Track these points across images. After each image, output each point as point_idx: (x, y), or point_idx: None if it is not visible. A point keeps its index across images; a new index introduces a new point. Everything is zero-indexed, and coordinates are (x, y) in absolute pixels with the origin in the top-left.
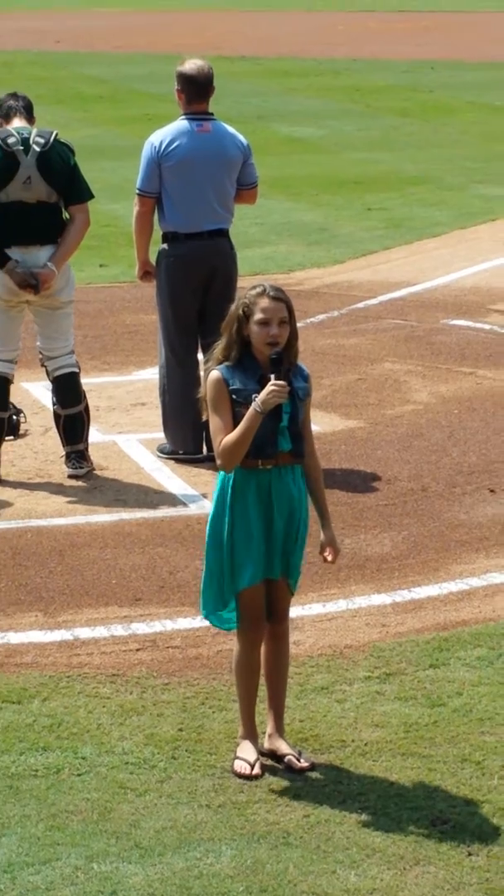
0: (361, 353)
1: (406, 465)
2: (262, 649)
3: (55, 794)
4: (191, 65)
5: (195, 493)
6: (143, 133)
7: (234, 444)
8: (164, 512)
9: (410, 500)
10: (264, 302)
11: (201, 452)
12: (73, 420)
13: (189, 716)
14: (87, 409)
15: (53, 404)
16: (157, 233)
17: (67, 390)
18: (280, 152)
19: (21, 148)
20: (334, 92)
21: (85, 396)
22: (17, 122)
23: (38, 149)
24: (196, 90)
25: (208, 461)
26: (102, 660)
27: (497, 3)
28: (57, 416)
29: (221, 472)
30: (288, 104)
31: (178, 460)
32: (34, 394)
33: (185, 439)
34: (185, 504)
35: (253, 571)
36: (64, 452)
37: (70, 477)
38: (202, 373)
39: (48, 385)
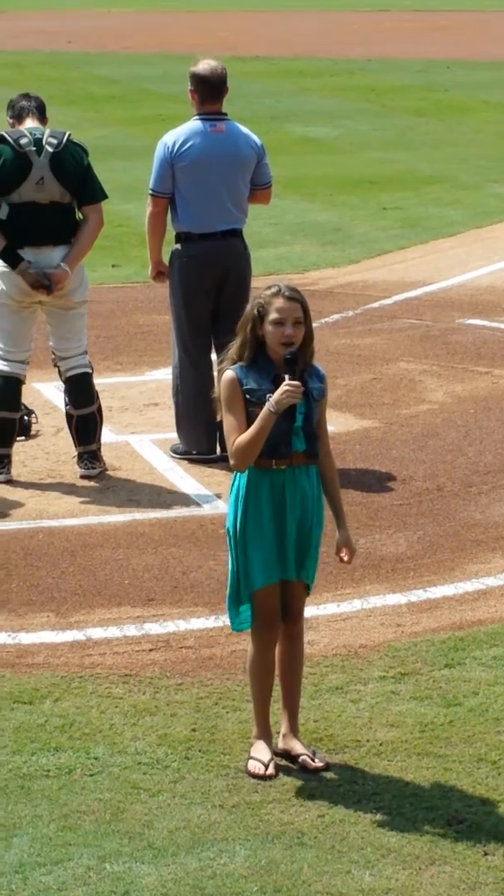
0: (376, 353)
1: (421, 465)
2: (277, 649)
3: (67, 794)
4: (204, 65)
5: (209, 493)
6: (156, 133)
7: (248, 443)
8: (178, 512)
9: (426, 500)
10: (279, 302)
11: (215, 452)
12: (85, 420)
13: (202, 716)
14: (99, 409)
15: (66, 404)
16: (170, 233)
17: (80, 391)
18: (295, 152)
19: (34, 148)
20: (349, 92)
21: (98, 397)
22: (30, 123)
23: (50, 149)
24: (209, 90)
25: (222, 461)
26: (115, 660)
27: None
28: (69, 417)
29: (236, 473)
30: (303, 104)
31: (191, 460)
32: (46, 394)
33: (199, 439)
34: (198, 504)
35: (267, 572)
36: (76, 453)
37: (82, 477)
38: (216, 373)
39: (60, 385)
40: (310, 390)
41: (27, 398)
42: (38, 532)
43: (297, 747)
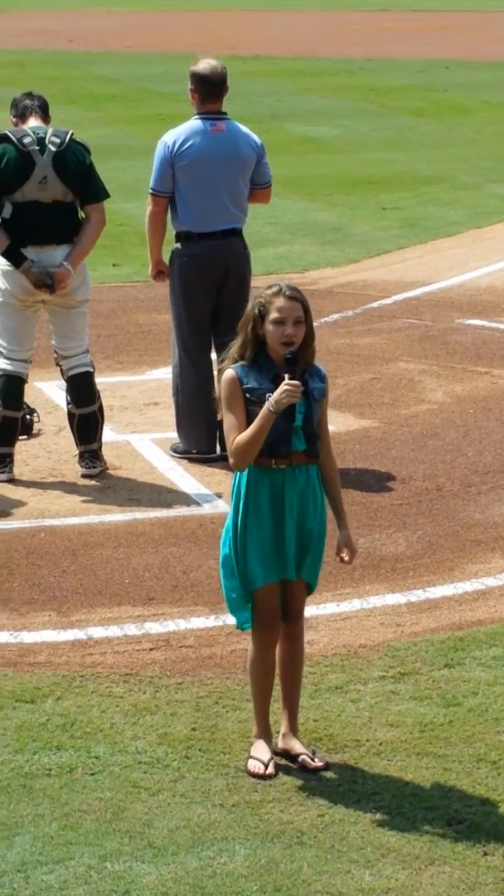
0: (376, 353)
1: (421, 465)
2: (277, 649)
3: (68, 793)
4: (204, 64)
5: (209, 492)
6: (156, 133)
7: (247, 442)
8: (178, 511)
9: (425, 500)
10: (280, 301)
11: (215, 452)
12: (87, 419)
13: (202, 715)
14: (101, 408)
15: (68, 403)
16: (171, 232)
17: (82, 390)
18: (294, 152)
19: (37, 148)
20: (349, 91)
21: (99, 396)
22: (33, 122)
23: (53, 148)
24: (209, 90)
25: (222, 460)
26: (116, 659)
27: None
28: (71, 416)
29: (237, 472)
30: (302, 104)
31: (191, 460)
32: (47, 393)
33: (199, 439)
34: (198, 503)
35: (266, 571)
36: (77, 452)
37: (83, 476)
38: (216, 372)
39: (61, 384)
40: (310, 390)
41: (29, 397)
42: (39, 531)
43: (296, 747)
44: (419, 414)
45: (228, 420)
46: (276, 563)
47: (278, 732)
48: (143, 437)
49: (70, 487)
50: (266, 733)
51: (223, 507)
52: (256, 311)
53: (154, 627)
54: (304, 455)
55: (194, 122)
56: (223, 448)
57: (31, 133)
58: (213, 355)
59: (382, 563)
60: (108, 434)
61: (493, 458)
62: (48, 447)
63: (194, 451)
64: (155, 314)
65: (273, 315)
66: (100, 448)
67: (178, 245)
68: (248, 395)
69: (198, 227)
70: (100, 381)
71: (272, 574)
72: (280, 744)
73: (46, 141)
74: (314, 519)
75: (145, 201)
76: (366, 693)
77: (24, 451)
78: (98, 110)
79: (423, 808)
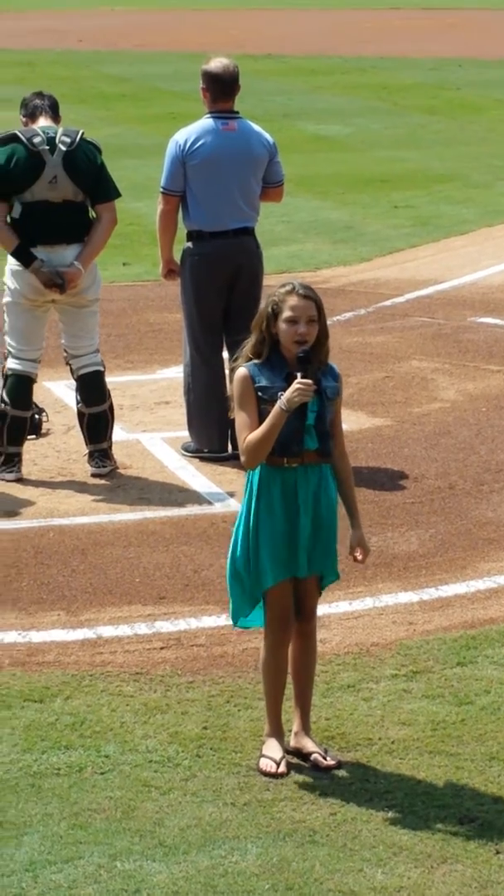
0: (388, 351)
1: (433, 463)
2: (290, 647)
3: (78, 792)
4: (216, 63)
5: (220, 491)
6: (167, 131)
7: (259, 441)
8: (189, 510)
9: (438, 498)
10: (293, 300)
11: (226, 451)
12: (97, 419)
13: (214, 714)
14: (111, 407)
15: (77, 402)
16: (182, 231)
17: (92, 389)
18: (306, 150)
19: (47, 147)
20: (361, 90)
21: (110, 395)
22: (43, 121)
23: (64, 148)
24: (221, 88)
25: (233, 459)
26: (126, 658)
27: None
28: (81, 415)
29: (249, 470)
30: (314, 102)
31: (202, 459)
32: (56, 392)
33: (210, 437)
34: (209, 502)
35: (278, 569)
36: (87, 451)
37: (93, 475)
38: (229, 370)
39: (70, 384)
40: (323, 389)
41: (37, 396)
42: (48, 530)
43: (308, 745)
44: (432, 412)
45: (240, 418)
46: (288, 562)
47: (290, 731)
48: (154, 436)
49: (79, 487)
50: (278, 732)
51: (235, 505)
52: (270, 309)
53: (165, 626)
54: (316, 454)
55: (206, 121)
56: (235, 447)
57: (41, 133)
58: (225, 354)
59: (395, 562)
60: (119, 433)
61: None
62: (57, 446)
63: (206, 450)
64: (166, 313)
65: (286, 314)
66: (110, 447)
67: (190, 244)
68: (260, 394)
69: (209, 226)
70: (110, 380)
71: (284, 572)
72: (292, 742)
73: (57, 140)
74: (326, 518)
75: (156, 200)
76: (378, 691)
77: (32, 451)
78: (108, 109)
79: (436, 807)
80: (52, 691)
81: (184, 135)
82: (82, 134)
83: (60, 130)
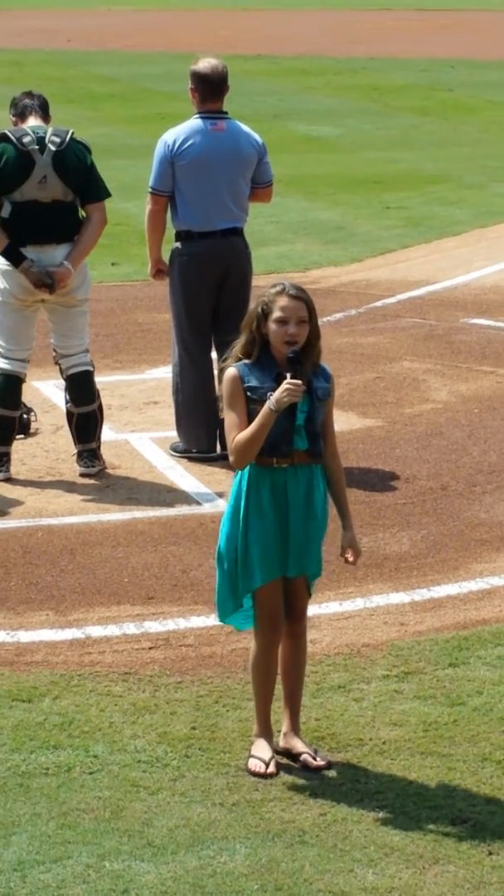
0: (380, 352)
1: (425, 464)
2: (280, 648)
3: (66, 792)
4: (205, 63)
5: (208, 491)
6: (156, 132)
7: (247, 441)
8: (177, 510)
9: (429, 499)
10: (283, 300)
11: (215, 451)
12: (86, 418)
13: (202, 714)
14: (100, 407)
15: (67, 402)
16: (170, 231)
17: (81, 388)
18: (297, 151)
19: (36, 147)
20: (352, 90)
21: (99, 395)
22: (33, 121)
23: (53, 148)
24: (210, 89)
25: (222, 459)
26: (114, 658)
27: None
28: (70, 415)
29: (238, 470)
30: (305, 103)
31: (191, 459)
32: (45, 392)
33: (199, 438)
34: (198, 502)
35: (268, 569)
36: (76, 451)
37: (82, 475)
38: (217, 370)
39: (59, 383)
40: (313, 389)
41: (26, 396)
42: (37, 530)
43: (298, 745)
44: (423, 413)
45: (229, 418)
46: (277, 562)
47: (279, 731)
48: (143, 436)
49: (68, 486)
50: (267, 732)
51: (223, 506)
52: (260, 309)
53: (153, 626)
54: (306, 454)
55: (195, 122)
56: (223, 447)
57: (30, 132)
58: (214, 354)
59: (386, 562)
60: (108, 433)
61: (498, 458)
62: (45, 446)
63: (194, 450)
64: (154, 313)
65: (276, 314)
66: (98, 447)
67: (179, 244)
68: (249, 394)
69: (198, 227)
70: (99, 380)
71: (273, 572)
72: (281, 743)
73: (46, 140)
74: (316, 518)
75: (145, 200)
76: (369, 692)
77: (21, 450)
78: (97, 109)
79: (427, 808)
80: (40, 691)
81: (172, 135)
82: (72, 134)
83: (50, 130)
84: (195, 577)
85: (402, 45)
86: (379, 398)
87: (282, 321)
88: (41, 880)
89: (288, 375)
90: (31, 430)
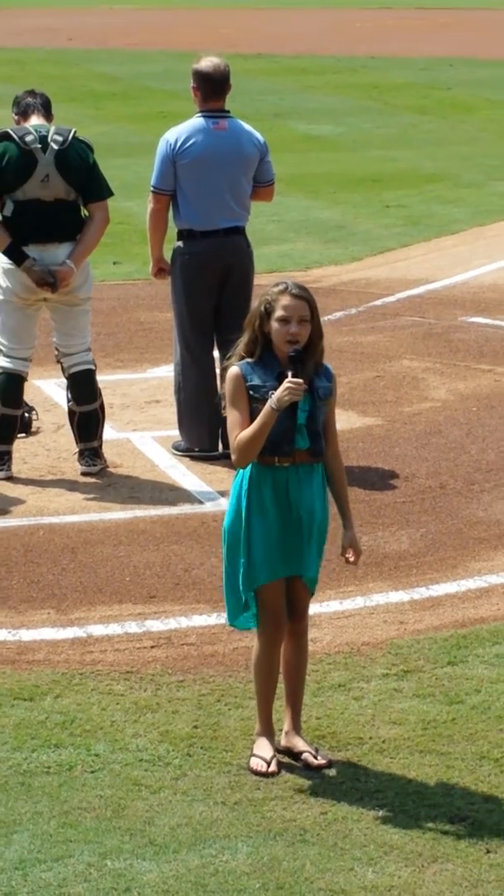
0: (379, 351)
1: (424, 463)
2: (281, 647)
3: (68, 791)
4: (207, 62)
5: (210, 490)
6: (158, 130)
7: (249, 439)
8: (179, 509)
9: (428, 498)
10: (285, 299)
11: (217, 450)
12: (87, 417)
13: (204, 713)
14: (102, 406)
15: (68, 401)
16: (172, 230)
17: (83, 387)
18: (298, 150)
19: (39, 146)
20: (352, 89)
21: (100, 394)
22: (35, 120)
23: (56, 147)
24: (212, 87)
25: (224, 458)
26: (116, 657)
27: None
28: (72, 413)
29: (239, 469)
30: (305, 102)
31: (193, 458)
32: (46, 391)
33: (201, 436)
34: (200, 501)
35: (270, 568)
36: (77, 450)
37: (83, 474)
38: (219, 369)
39: (60, 382)
40: (315, 388)
41: (27, 395)
42: (38, 529)
43: (299, 744)
44: (422, 412)
45: (232, 417)
46: (280, 561)
47: (281, 730)
48: (145, 434)
49: (70, 485)
50: (269, 731)
51: (225, 504)
52: (262, 308)
53: (155, 625)
54: (307, 453)
55: (197, 120)
56: (225, 446)
57: (33, 131)
58: (216, 353)
59: (385, 561)
60: (109, 432)
61: (497, 456)
62: (47, 445)
63: (196, 449)
64: (156, 312)
65: (278, 313)
66: (100, 446)
67: (180, 243)
68: (251, 393)
69: (200, 226)
70: (100, 378)
71: (276, 571)
72: (283, 741)
73: (49, 139)
74: (317, 518)
75: (146, 199)
76: (369, 691)
77: (22, 449)
78: (98, 108)
79: (426, 806)
80: (42, 690)
81: (174, 134)
82: (74, 133)
83: (53, 129)
84: (197, 576)
85: (402, 43)
86: (378, 397)
87: (284, 320)
88: (43, 879)
89: (289, 374)
90: (33, 429)
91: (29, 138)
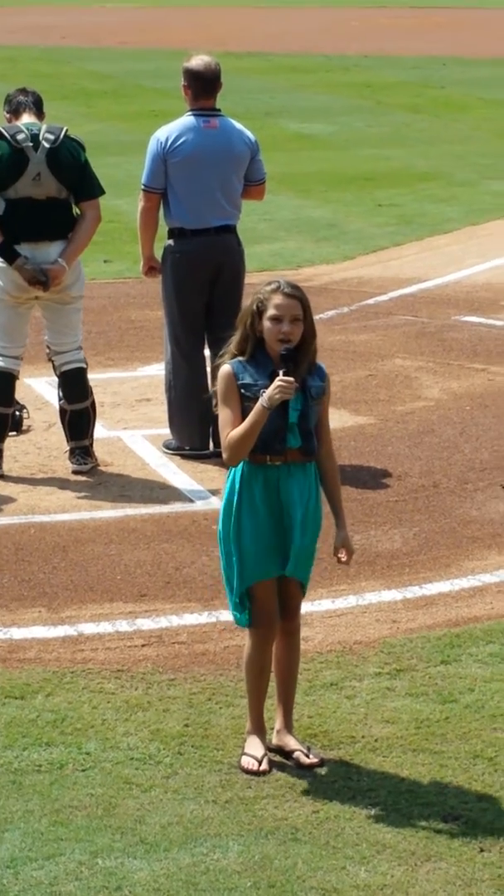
0: (372, 350)
1: (417, 462)
2: (273, 645)
3: (59, 789)
4: (197, 61)
5: (201, 488)
6: (149, 129)
7: (240, 438)
8: (170, 508)
9: (421, 497)
10: (278, 298)
11: (207, 448)
12: (79, 415)
13: (195, 711)
14: (93, 405)
15: (60, 399)
16: (163, 228)
17: (74, 385)
18: (289, 149)
19: (30, 144)
20: (344, 88)
21: (92, 392)
22: (27, 118)
23: (47, 145)
24: (203, 86)
25: (214, 457)
26: (107, 655)
27: None
28: (63, 412)
29: (232, 468)
30: (297, 100)
31: (183, 456)
32: (37, 389)
33: (191, 435)
34: (190, 500)
35: (261, 568)
36: (68, 448)
37: (74, 472)
38: (210, 368)
39: (51, 380)
40: (307, 387)
41: (18, 393)
42: (29, 527)
43: (291, 743)
44: (415, 411)
45: (223, 415)
46: (271, 560)
47: (272, 729)
48: (135, 433)
49: (60, 483)
50: (260, 729)
51: (216, 503)
52: (255, 307)
53: (146, 624)
54: (299, 452)
55: (187, 119)
56: (216, 444)
57: (24, 129)
58: (206, 351)
59: (378, 560)
60: (100, 430)
61: (490, 455)
62: (38, 443)
63: (187, 448)
64: (147, 310)
65: (270, 312)
66: (91, 444)
67: (171, 242)
68: (243, 391)
69: (191, 224)
70: (91, 377)
71: (268, 571)
72: (274, 740)
73: (40, 137)
74: (309, 517)
75: (137, 197)
76: (361, 689)
77: (13, 447)
78: (90, 106)
79: (419, 805)
80: (33, 688)
81: (165, 132)
82: (66, 131)
83: (44, 127)
84: (188, 575)
85: (395, 42)
86: (371, 396)
87: (276, 319)
88: (34, 877)
89: (280, 372)
90: (24, 427)
91: (20, 136)
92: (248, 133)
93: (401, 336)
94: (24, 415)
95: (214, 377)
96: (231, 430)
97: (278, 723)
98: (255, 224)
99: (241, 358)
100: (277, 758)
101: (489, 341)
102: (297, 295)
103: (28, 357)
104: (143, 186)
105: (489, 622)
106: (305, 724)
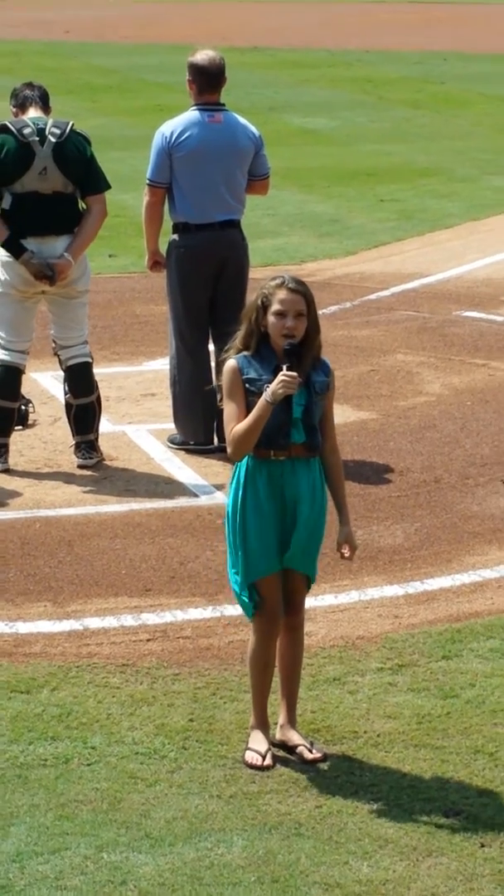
0: (374, 345)
1: (419, 457)
2: (277, 641)
3: (64, 783)
4: (202, 55)
5: (206, 483)
6: (153, 123)
7: (244, 432)
8: (175, 502)
9: (423, 492)
10: (282, 293)
11: (212, 443)
12: (84, 410)
13: (200, 706)
14: (98, 399)
15: (65, 393)
16: (168, 223)
17: (80, 380)
18: (292, 144)
19: (37, 138)
20: (346, 83)
21: (97, 387)
22: (33, 112)
23: (53, 139)
24: (208, 81)
25: (219, 451)
26: (112, 650)
27: None
28: (68, 406)
29: (236, 462)
30: (300, 95)
31: (188, 451)
32: (43, 383)
33: (196, 430)
34: (195, 494)
35: (266, 562)
36: (74, 442)
37: (79, 467)
38: (215, 363)
39: (57, 375)
40: (311, 382)
41: (24, 387)
42: (35, 521)
43: (294, 738)
44: (417, 406)
45: (228, 409)
46: (275, 555)
47: (276, 723)
48: (140, 427)
49: (66, 478)
50: (264, 724)
51: (221, 498)
52: (259, 302)
53: (151, 618)
54: (303, 447)
55: (192, 113)
56: (221, 439)
57: (31, 124)
58: (211, 346)
59: (380, 555)
60: (105, 425)
61: (491, 450)
62: (43, 437)
63: (191, 442)
64: (152, 305)
65: (275, 307)
66: (96, 439)
67: (176, 236)
68: (248, 386)
69: (195, 219)
70: (96, 371)
71: (272, 565)
72: (278, 735)
73: (46, 132)
74: (314, 512)
75: (142, 192)
76: (363, 684)
77: (19, 442)
78: (94, 101)
79: (421, 800)
80: (38, 682)
81: (170, 127)
82: (72, 125)
83: (50, 122)
84: (192, 569)
85: (397, 37)
86: (373, 391)
87: (280, 314)
88: (39, 871)
89: (284, 367)
90: (30, 422)
91: (27, 131)
92: (252, 128)
93: (402, 331)
94: (30, 409)
95: (219, 372)
96: (235, 424)
97: (282, 718)
98: (258, 219)
99: (246, 353)
100: (281, 753)
101: (490, 336)
102: (301, 290)
103: (34, 351)
104: (147, 181)
105: (490, 617)
106: (309, 719)
